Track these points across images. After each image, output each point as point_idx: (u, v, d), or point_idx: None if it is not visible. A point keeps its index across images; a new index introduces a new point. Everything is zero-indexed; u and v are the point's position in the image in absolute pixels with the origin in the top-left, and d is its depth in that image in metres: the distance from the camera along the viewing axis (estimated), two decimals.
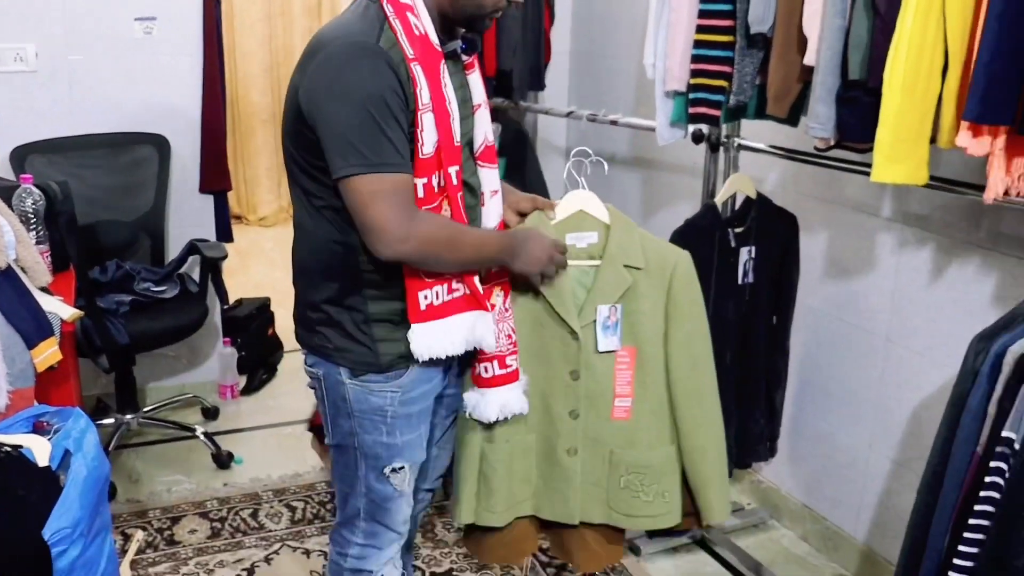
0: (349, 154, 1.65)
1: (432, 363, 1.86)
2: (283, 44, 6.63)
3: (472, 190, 1.89)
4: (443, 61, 1.75)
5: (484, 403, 1.98)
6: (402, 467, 1.94)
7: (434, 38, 1.74)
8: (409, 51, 1.68)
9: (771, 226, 2.69)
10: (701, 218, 2.59)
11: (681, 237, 2.55)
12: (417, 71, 1.68)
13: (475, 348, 1.89)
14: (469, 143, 1.88)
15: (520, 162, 3.89)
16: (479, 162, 1.91)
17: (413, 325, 1.79)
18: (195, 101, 3.68)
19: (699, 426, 2.09)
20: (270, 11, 6.53)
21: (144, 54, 3.59)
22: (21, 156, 3.36)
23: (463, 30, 1.84)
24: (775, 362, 2.83)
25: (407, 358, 1.84)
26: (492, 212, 1.94)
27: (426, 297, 1.78)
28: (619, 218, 2.03)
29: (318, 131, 1.68)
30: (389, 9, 1.70)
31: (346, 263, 1.80)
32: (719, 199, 2.65)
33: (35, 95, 3.48)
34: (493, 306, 1.92)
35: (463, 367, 2.03)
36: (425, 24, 1.73)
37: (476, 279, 1.85)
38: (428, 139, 1.71)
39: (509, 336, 1.96)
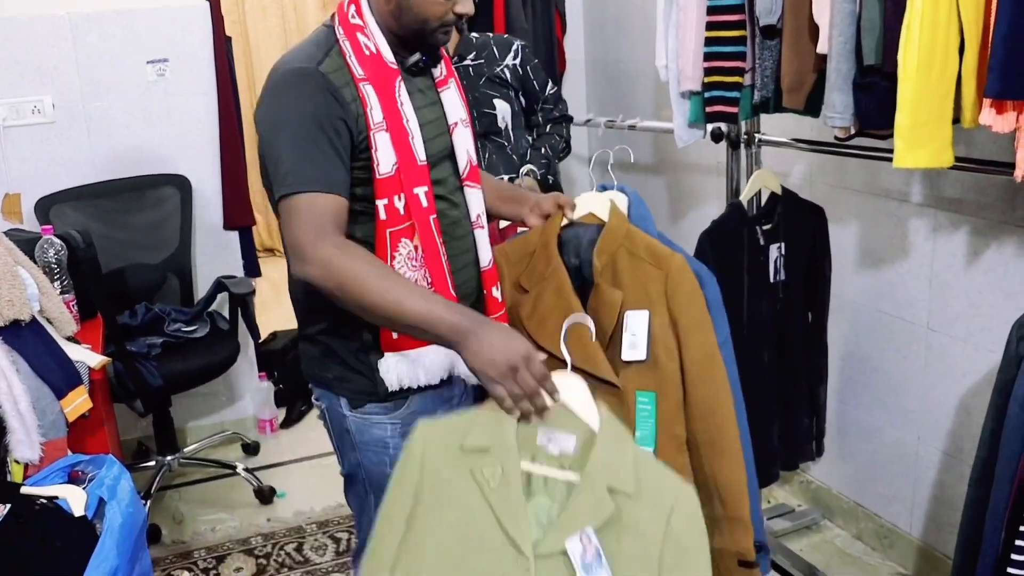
0: (278, 177, 1.62)
1: (436, 392, 1.83)
2: None
3: (457, 210, 1.84)
4: (400, 79, 1.72)
5: None
6: None
7: (388, 56, 1.71)
8: (358, 71, 1.67)
9: (799, 221, 2.62)
10: (728, 218, 2.53)
11: (709, 238, 2.49)
12: (367, 91, 1.66)
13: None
14: (452, 163, 1.84)
15: None
16: (466, 183, 1.85)
17: (385, 354, 1.74)
18: (213, 139, 3.69)
19: None
20: (287, 43, 6.55)
21: (159, 96, 3.61)
22: (46, 207, 3.39)
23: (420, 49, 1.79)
24: (814, 359, 2.75)
25: (407, 387, 1.79)
26: (480, 236, 1.89)
27: None
28: (611, 420, 1.51)
29: (264, 160, 1.68)
30: (339, 31, 1.70)
31: None
32: (744, 197, 2.59)
33: (55, 145, 3.51)
34: None
35: (482, 392, 1.95)
36: (377, 43, 1.70)
37: None
38: (384, 158, 1.66)
39: None
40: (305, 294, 1.83)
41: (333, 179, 1.61)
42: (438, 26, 1.71)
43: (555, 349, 1.78)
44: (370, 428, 1.83)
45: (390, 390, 1.76)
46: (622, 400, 1.91)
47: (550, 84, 3.13)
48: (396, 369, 1.74)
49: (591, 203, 1.96)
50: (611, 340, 1.90)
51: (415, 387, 1.77)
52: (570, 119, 3.20)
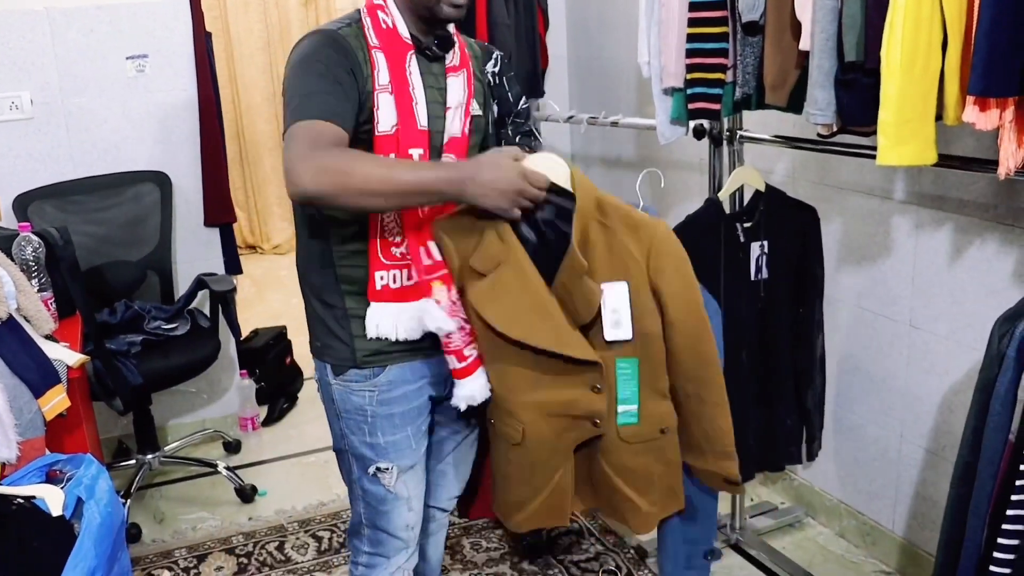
0: (288, 112, 1.70)
1: (414, 359, 1.91)
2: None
3: None
4: (412, 54, 1.83)
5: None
6: (388, 467, 1.96)
7: (403, 32, 1.82)
8: (373, 40, 1.79)
9: (784, 218, 2.60)
10: (703, 214, 2.52)
11: (681, 233, 2.46)
12: (378, 57, 1.78)
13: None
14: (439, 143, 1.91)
15: None
16: (445, 155, 1.92)
17: (370, 303, 1.84)
18: (193, 135, 3.66)
19: None
20: (269, 39, 6.53)
21: (138, 92, 3.58)
22: (24, 204, 3.36)
23: (440, 29, 1.89)
24: (801, 360, 2.73)
25: (384, 355, 1.89)
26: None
27: (382, 278, 1.83)
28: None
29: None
30: (363, 9, 1.84)
31: (323, 260, 1.87)
32: (723, 193, 2.58)
33: (33, 142, 3.48)
34: (438, 302, 1.82)
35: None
36: (394, 19, 1.82)
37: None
38: (384, 118, 1.77)
39: (462, 328, 1.85)
40: (304, 264, 1.94)
41: (334, 109, 1.69)
42: None
43: (522, 336, 1.83)
44: (351, 396, 1.92)
45: (368, 337, 1.85)
46: (603, 370, 1.87)
47: (524, 99, 3.10)
48: (377, 319, 1.84)
49: (545, 165, 1.77)
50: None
51: (395, 339, 1.85)
52: (535, 136, 3.19)
